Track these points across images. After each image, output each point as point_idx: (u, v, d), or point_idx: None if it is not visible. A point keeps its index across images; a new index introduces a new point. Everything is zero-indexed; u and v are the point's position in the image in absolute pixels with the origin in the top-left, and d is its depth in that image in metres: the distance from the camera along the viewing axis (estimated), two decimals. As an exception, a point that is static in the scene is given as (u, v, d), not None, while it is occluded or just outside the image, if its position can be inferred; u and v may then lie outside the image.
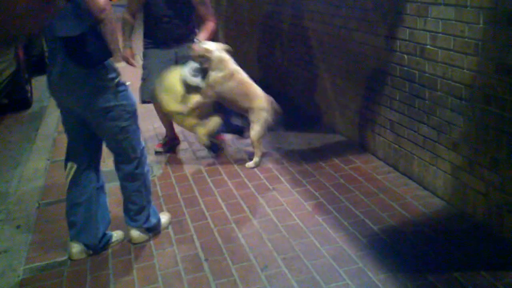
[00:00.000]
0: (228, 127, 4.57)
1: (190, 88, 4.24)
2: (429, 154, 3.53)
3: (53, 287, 2.90)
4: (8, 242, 3.40)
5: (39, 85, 8.03)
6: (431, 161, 3.52)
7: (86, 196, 3.09)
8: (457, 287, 2.62)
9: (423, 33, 3.42)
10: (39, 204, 3.90)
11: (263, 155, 4.35)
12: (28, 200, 4.00)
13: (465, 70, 3.09)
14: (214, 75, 4.17)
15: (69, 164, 3.07)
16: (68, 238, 3.17)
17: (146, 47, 4.53)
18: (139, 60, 4.87)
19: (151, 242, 3.24)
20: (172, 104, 4.28)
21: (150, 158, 4.38)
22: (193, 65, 4.22)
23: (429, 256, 2.88)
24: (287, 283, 2.74)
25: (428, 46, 3.39)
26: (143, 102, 4.47)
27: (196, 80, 4.21)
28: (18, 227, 3.59)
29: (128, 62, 4.55)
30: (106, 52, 2.86)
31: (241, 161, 4.37)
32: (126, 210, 3.20)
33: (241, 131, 4.70)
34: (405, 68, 3.67)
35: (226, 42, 5.09)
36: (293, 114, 5.47)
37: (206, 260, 3.01)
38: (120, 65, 4.01)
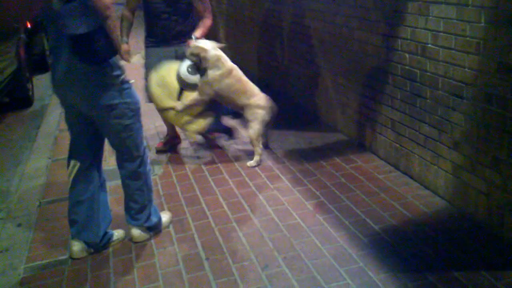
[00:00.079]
0: (217, 126, 4.60)
1: (185, 85, 4.24)
2: (430, 153, 3.53)
3: (54, 286, 2.91)
4: (9, 241, 3.41)
5: (40, 83, 8.04)
6: (432, 160, 3.51)
7: (88, 194, 3.09)
8: (458, 286, 2.61)
9: (425, 32, 3.41)
10: (40, 202, 3.90)
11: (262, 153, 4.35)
12: (29, 198, 4.01)
13: (466, 69, 3.09)
14: (212, 73, 4.17)
15: (72, 162, 3.07)
16: (69, 237, 3.17)
17: (147, 45, 4.54)
18: (140, 59, 4.87)
19: (152, 241, 3.24)
20: (166, 100, 4.28)
21: (151, 156, 4.39)
22: (189, 62, 4.22)
23: (430, 256, 2.87)
24: (287, 283, 2.74)
25: (430, 45, 3.38)
26: (151, 101, 4.47)
27: (193, 78, 4.21)
28: (19, 225, 3.59)
29: (123, 57, 4.55)
30: (113, 50, 2.87)
31: (242, 160, 4.37)
32: (128, 209, 3.20)
33: (230, 132, 4.73)
34: (406, 67, 3.66)
35: (226, 41, 5.10)
36: (294, 113, 5.47)
37: (207, 259, 3.01)
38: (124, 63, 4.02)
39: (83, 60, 2.78)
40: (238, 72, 4.29)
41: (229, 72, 4.22)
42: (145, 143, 3.19)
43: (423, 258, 2.85)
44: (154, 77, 4.31)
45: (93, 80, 2.85)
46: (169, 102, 4.27)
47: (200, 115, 4.32)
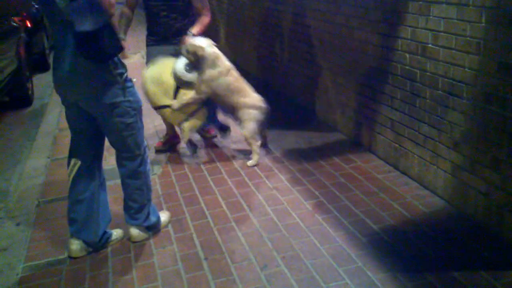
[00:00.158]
0: (212, 122, 4.61)
1: (182, 83, 4.23)
2: (429, 153, 3.53)
3: (52, 285, 2.90)
4: (7, 240, 3.40)
5: (40, 83, 8.03)
6: (432, 160, 3.51)
7: (88, 193, 3.09)
8: (457, 286, 2.61)
9: (425, 32, 3.41)
10: (39, 202, 3.90)
11: (256, 153, 4.34)
12: (28, 197, 4.00)
13: (466, 69, 3.09)
14: (210, 71, 4.17)
15: (72, 161, 3.07)
16: (68, 236, 3.17)
17: (148, 44, 4.55)
18: (140, 58, 4.87)
19: (151, 240, 3.24)
20: (162, 98, 4.27)
21: (151, 156, 4.38)
22: (186, 60, 4.22)
23: (429, 256, 2.87)
24: (286, 282, 2.74)
25: (430, 45, 3.38)
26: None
27: (190, 75, 4.20)
28: (17, 224, 3.59)
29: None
30: (118, 47, 2.87)
31: (241, 160, 4.37)
32: (127, 208, 3.20)
33: (224, 129, 4.74)
34: (407, 67, 3.66)
35: (226, 40, 5.09)
36: (294, 112, 5.46)
37: (206, 259, 3.01)
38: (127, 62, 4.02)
39: (88, 58, 2.78)
40: (235, 70, 4.31)
41: (228, 70, 4.23)
42: (145, 143, 3.19)
43: (422, 258, 2.85)
44: (149, 74, 4.29)
45: (97, 78, 2.86)
46: (165, 100, 4.26)
47: (195, 112, 4.32)
